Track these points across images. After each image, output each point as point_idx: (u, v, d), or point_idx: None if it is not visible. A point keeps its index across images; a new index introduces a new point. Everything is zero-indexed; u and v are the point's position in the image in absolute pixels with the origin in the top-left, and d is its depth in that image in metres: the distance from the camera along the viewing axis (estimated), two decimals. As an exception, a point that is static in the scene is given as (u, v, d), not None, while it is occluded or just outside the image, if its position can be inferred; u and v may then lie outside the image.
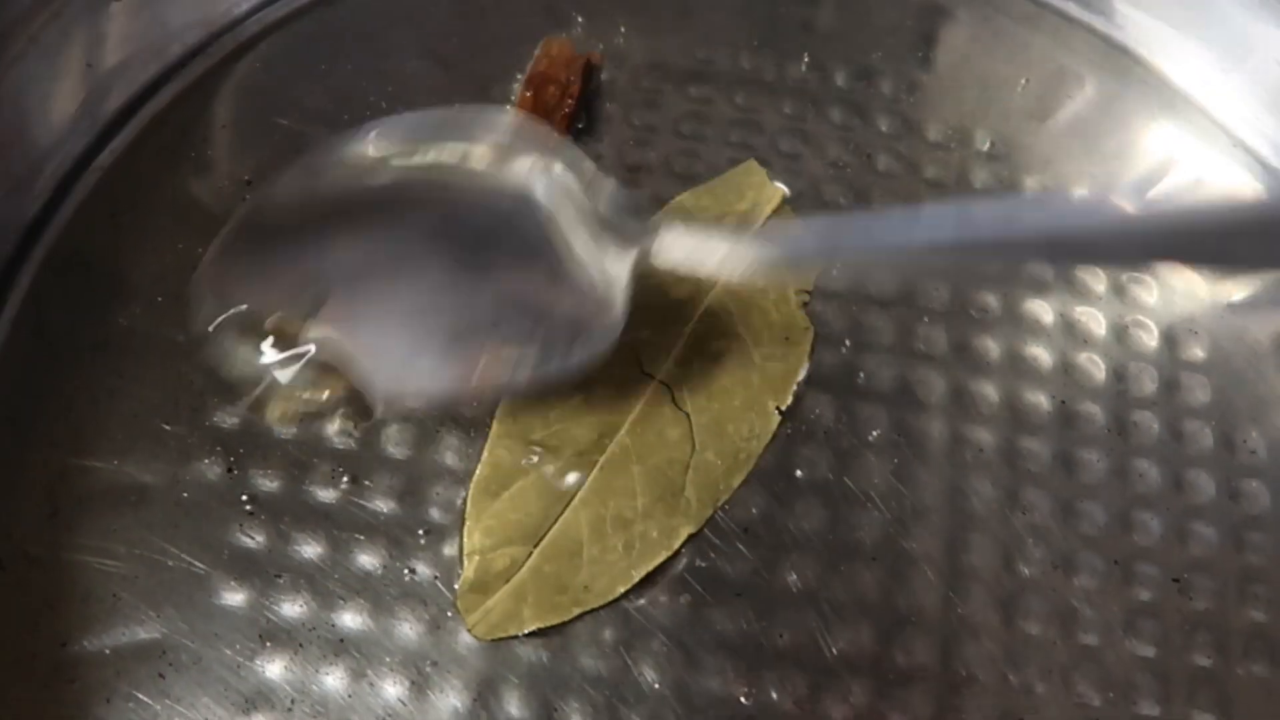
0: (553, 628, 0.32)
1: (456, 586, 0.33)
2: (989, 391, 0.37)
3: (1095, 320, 0.39)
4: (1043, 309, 0.39)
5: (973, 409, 0.37)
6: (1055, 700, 0.33)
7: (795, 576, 0.34)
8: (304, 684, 0.31)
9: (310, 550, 0.33)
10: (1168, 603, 0.35)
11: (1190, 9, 0.44)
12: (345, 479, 0.34)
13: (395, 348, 0.33)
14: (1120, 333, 0.39)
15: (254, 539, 0.33)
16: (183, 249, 0.38)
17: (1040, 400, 0.38)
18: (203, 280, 0.34)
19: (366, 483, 0.34)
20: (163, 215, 0.38)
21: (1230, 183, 0.43)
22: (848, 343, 0.38)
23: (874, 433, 0.36)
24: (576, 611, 0.33)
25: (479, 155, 0.32)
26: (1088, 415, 0.37)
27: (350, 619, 0.32)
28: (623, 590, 0.33)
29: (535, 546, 0.33)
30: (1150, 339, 0.39)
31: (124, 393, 0.35)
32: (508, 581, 0.33)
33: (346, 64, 0.42)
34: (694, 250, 0.31)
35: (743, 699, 0.32)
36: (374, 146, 0.32)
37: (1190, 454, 0.37)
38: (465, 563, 0.33)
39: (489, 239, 0.32)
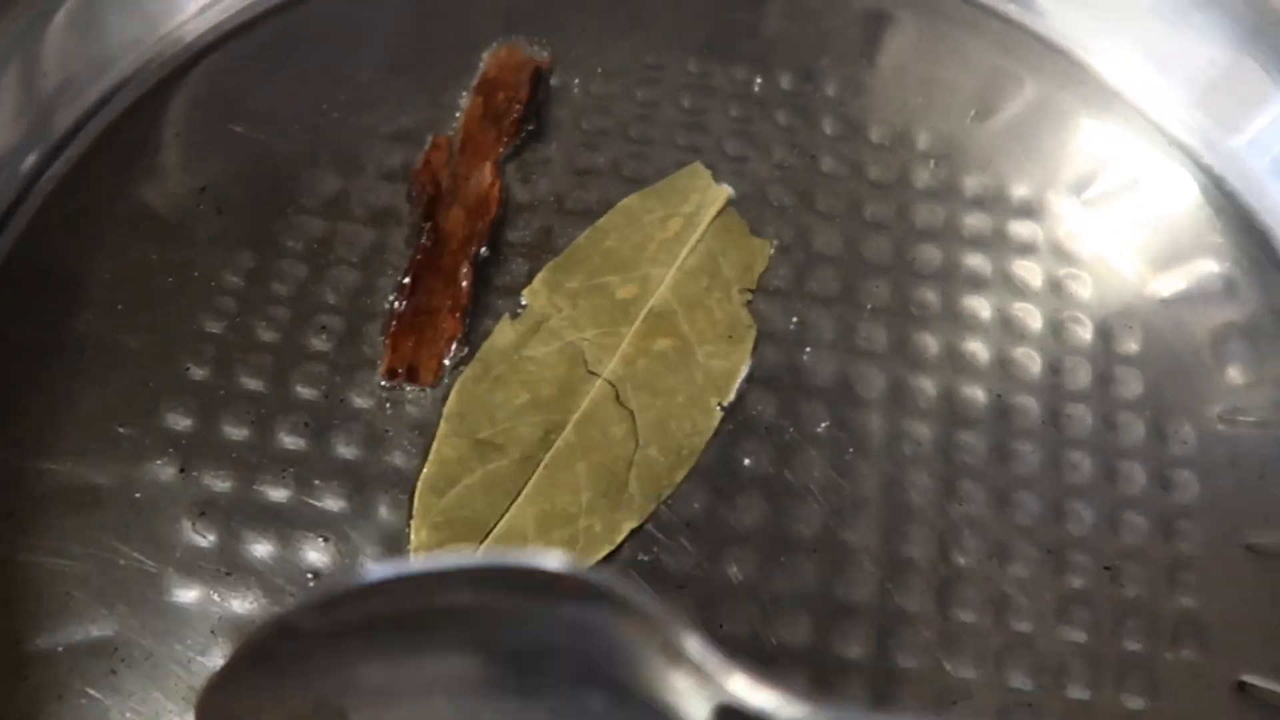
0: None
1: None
2: (927, 386, 0.38)
3: (1031, 316, 0.40)
4: (980, 305, 0.40)
5: (911, 404, 0.38)
6: (989, 686, 0.34)
7: (736, 569, 0.35)
8: (254, 678, 0.32)
9: (261, 548, 0.34)
10: (1099, 590, 0.36)
11: (1125, 12, 0.46)
12: (295, 479, 0.35)
13: None
14: (1056, 328, 0.40)
15: (205, 538, 0.34)
16: (137, 256, 0.38)
17: (977, 394, 0.38)
18: (201, 710, 0.27)
19: (316, 482, 0.35)
20: (117, 223, 0.39)
21: (1166, 180, 0.44)
22: (790, 339, 0.39)
23: (815, 428, 0.37)
24: None
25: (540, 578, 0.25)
26: (1023, 408, 0.38)
27: (300, 614, 0.33)
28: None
29: (481, 543, 0.34)
30: (1085, 333, 0.40)
31: (79, 396, 0.36)
32: None
33: (299, 71, 0.43)
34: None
35: (684, 688, 0.33)
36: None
37: (1123, 445, 0.38)
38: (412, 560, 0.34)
39: (540, 663, 0.27)
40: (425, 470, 0.35)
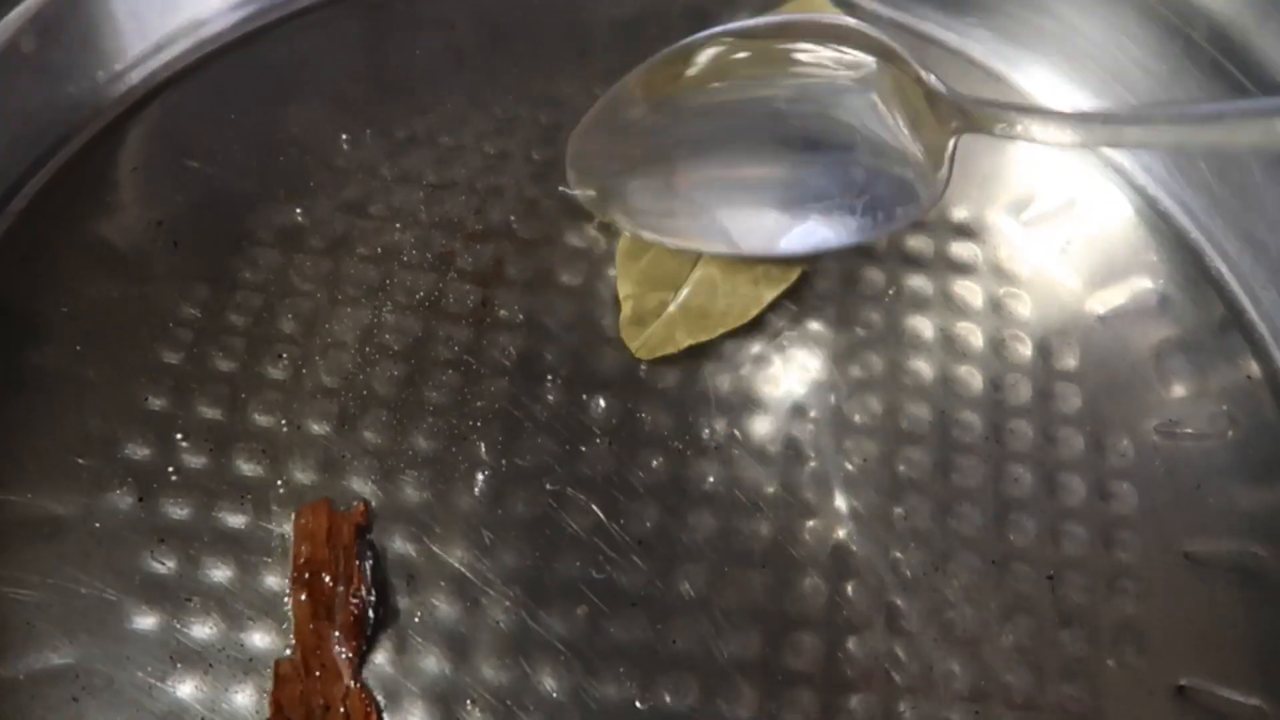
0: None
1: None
2: (873, 403, 0.39)
3: (973, 334, 0.41)
4: (923, 325, 0.41)
5: (857, 421, 0.39)
6: (935, 693, 0.35)
7: (688, 585, 0.36)
8: (214, 702, 0.33)
9: (220, 574, 0.35)
10: (1042, 598, 0.37)
11: (1060, 39, 0.47)
12: (254, 505, 0.36)
13: (741, 207, 0.40)
14: (997, 345, 0.41)
15: (164, 565, 0.35)
16: (94, 290, 0.39)
17: (922, 411, 0.40)
18: (570, 153, 0.42)
19: (275, 508, 0.36)
20: (75, 258, 0.40)
21: (1101, 201, 0.45)
22: (739, 364, 0.40)
23: (765, 446, 0.38)
24: (720, 331, 0.40)
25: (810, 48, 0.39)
26: (966, 424, 0.39)
27: (259, 639, 0.34)
28: (755, 313, 0.40)
29: (678, 290, 0.40)
30: (1025, 350, 0.41)
31: (37, 429, 0.36)
32: (659, 316, 0.40)
33: (251, 107, 0.44)
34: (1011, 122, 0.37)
35: (638, 703, 0.34)
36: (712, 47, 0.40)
37: (1063, 458, 0.39)
38: (622, 305, 0.40)
39: (821, 117, 0.39)
40: (620, 243, 0.41)
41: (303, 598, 0.34)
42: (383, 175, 0.42)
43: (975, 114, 0.37)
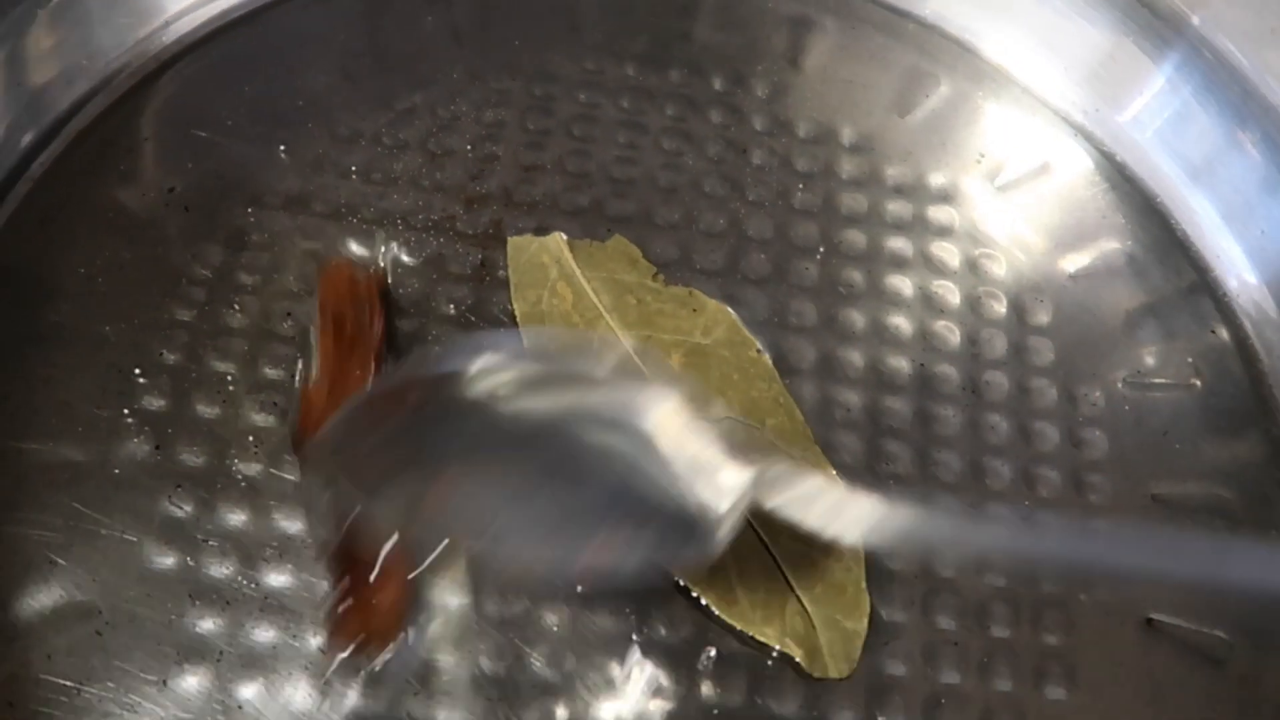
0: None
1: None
2: (855, 358, 0.41)
3: (950, 292, 0.43)
4: (903, 283, 0.43)
5: (841, 373, 0.41)
6: (917, 626, 0.37)
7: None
8: (232, 637, 0.34)
9: (235, 518, 0.36)
10: (1017, 538, 0.38)
11: (1035, 17, 0.49)
12: (266, 454, 0.37)
13: (502, 532, 0.34)
14: (973, 303, 0.43)
15: (182, 509, 0.36)
16: (110, 251, 0.41)
17: (902, 364, 0.41)
18: (309, 453, 0.37)
19: (286, 456, 0.37)
20: (90, 222, 0.41)
21: (1071, 167, 0.47)
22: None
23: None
24: None
25: (592, 379, 0.34)
26: (944, 376, 0.41)
27: (274, 578, 0.35)
28: None
29: None
30: (1000, 307, 0.43)
31: (57, 382, 0.38)
32: None
33: (260, 80, 0.45)
34: (798, 500, 0.33)
35: (634, 636, 0.36)
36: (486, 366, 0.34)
37: (1037, 408, 0.41)
38: None
39: (596, 451, 0.34)
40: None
41: (329, 337, 0.38)
42: (384, 143, 0.44)
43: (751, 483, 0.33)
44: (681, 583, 0.36)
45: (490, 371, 0.33)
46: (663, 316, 0.41)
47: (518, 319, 0.40)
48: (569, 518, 0.34)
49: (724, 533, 0.32)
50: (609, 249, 0.42)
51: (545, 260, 0.41)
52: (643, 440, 0.33)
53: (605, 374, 0.34)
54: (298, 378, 0.39)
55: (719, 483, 0.33)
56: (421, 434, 0.34)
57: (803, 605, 0.36)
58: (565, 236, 0.42)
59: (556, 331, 0.40)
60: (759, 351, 0.40)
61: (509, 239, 0.42)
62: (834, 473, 0.38)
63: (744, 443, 0.34)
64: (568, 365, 0.35)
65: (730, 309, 0.41)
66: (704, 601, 0.36)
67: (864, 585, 0.37)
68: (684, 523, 0.33)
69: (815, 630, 0.36)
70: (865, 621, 0.36)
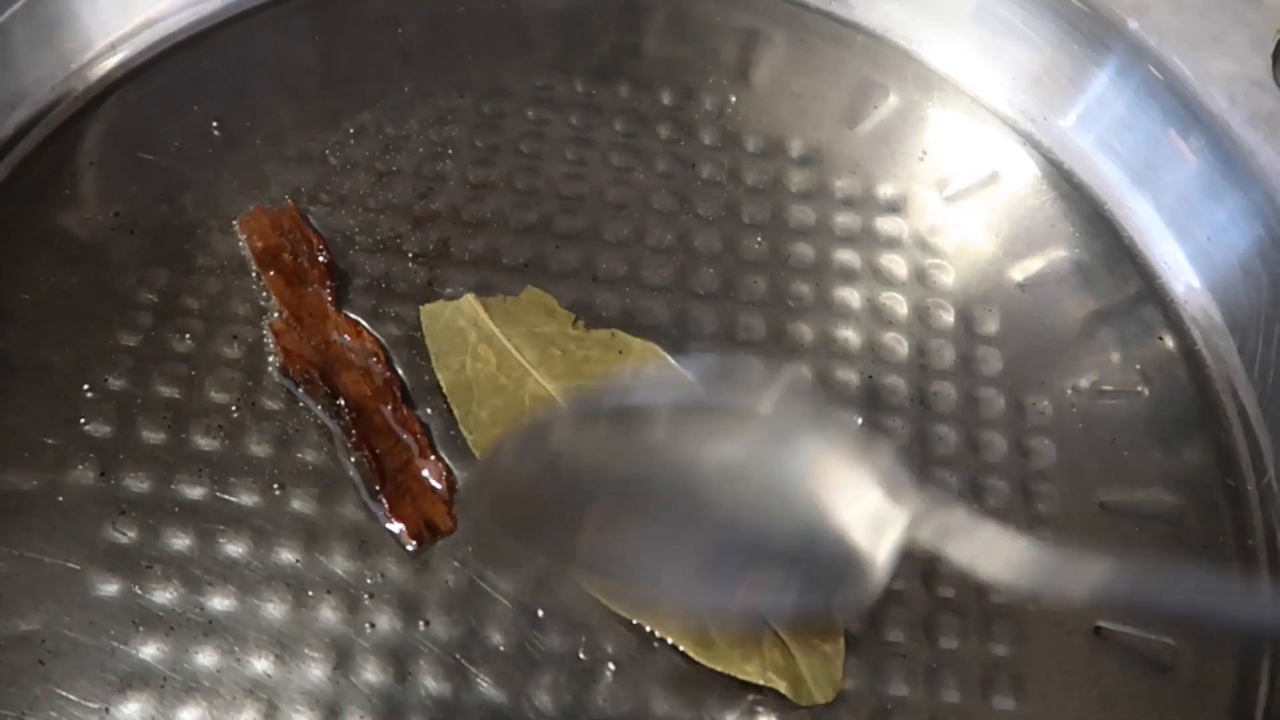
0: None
1: (321, 558, 0.36)
2: (804, 371, 0.41)
3: (899, 303, 0.43)
4: (851, 295, 0.43)
5: (789, 387, 0.41)
6: (865, 639, 0.37)
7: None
8: (176, 663, 0.34)
9: (180, 542, 0.36)
10: (964, 549, 0.38)
11: (980, 26, 0.49)
12: (211, 477, 0.37)
13: (658, 564, 0.34)
14: (921, 313, 0.43)
15: (126, 535, 0.36)
16: (55, 277, 0.41)
17: (851, 376, 0.42)
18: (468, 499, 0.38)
19: (231, 480, 0.37)
20: (36, 248, 0.41)
21: (1020, 176, 0.47)
22: (675, 334, 0.42)
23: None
24: None
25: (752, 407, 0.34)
26: (893, 387, 0.42)
27: (218, 602, 0.35)
28: None
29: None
30: (948, 317, 0.43)
31: (2, 409, 0.38)
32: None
33: (206, 101, 0.45)
34: (957, 540, 0.32)
35: (580, 654, 0.36)
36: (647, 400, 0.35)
37: (985, 417, 0.41)
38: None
39: (754, 486, 0.34)
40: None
41: (272, 274, 0.41)
42: (332, 163, 0.44)
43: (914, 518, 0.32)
44: (655, 633, 0.36)
45: (651, 406, 0.34)
46: (589, 363, 0.40)
47: (444, 389, 0.39)
48: (723, 553, 0.33)
49: (883, 574, 0.32)
50: (524, 302, 0.42)
51: (462, 324, 0.41)
52: (802, 477, 0.33)
53: (767, 408, 0.34)
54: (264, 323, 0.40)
55: (876, 522, 0.32)
56: (577, 470, 0.34)
57: (779, 636, 0.36)
58: (474, 296, 0.41)
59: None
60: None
61: (421, 308, 0.41)
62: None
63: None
64: (728, 399, 0.35)
65: (655, 345, 0.41)
66: (682, 648, 0.36)
67: None
68: (839, 562, 0.32)
69: (795, 659, 0.36)
70: (841, 642, 0.36)
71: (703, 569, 0.33)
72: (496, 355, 0.40)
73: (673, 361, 0.41)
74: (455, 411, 0.39)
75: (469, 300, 0.41)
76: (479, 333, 0.40)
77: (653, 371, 0.40)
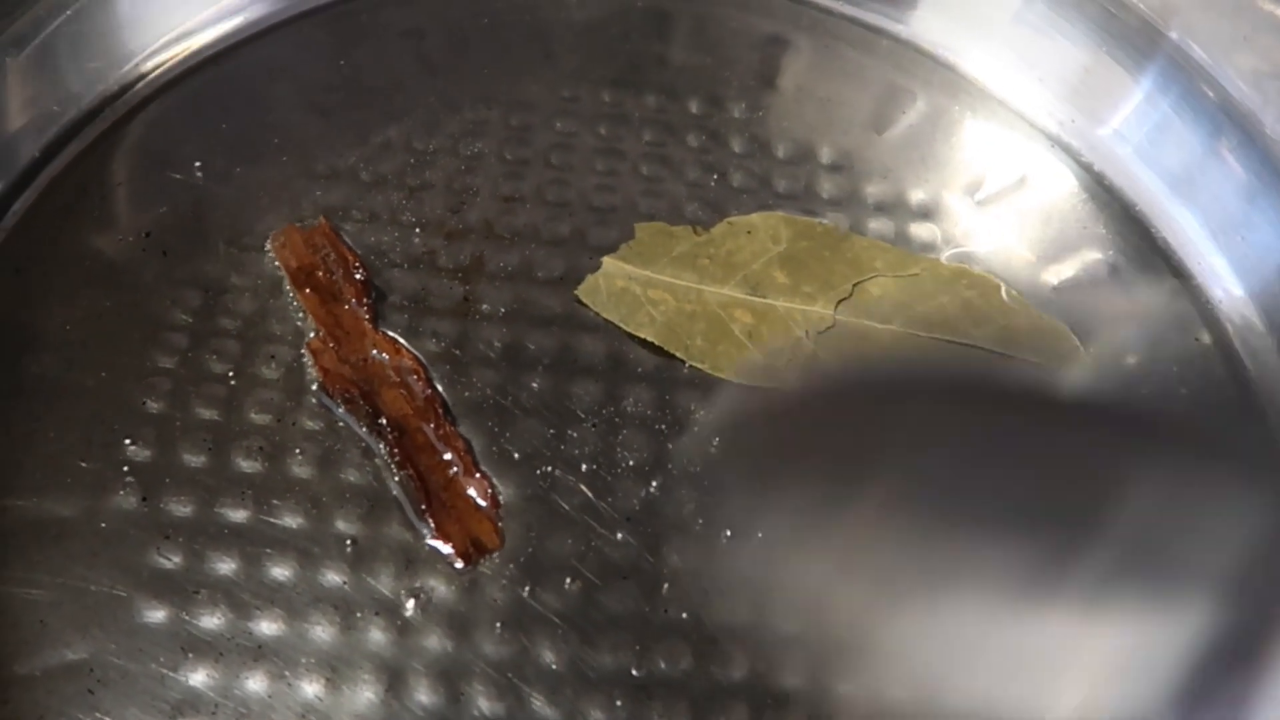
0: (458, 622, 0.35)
1: (368, 578, 0.36)
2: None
3: (935, 309, 0.43)
4: (888, 302, 0.43)
5: (829, 396, 0.41)
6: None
7: (676, 557, 0.37)
8: (227, 689, 0.34)
9: (225, 566, 0.36)
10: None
11: (1011, 32, 0.49)
12: (254, 500, 0.37)
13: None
14: (958, 319, 0.43)
15: (171, 560, 0.36)
16: (88, 300, 0.40)
17: (890, 384, 0.41)
18: None
19: (274, 501, 0.37)
20: (67, 269, 0.41)
21: (1050, 178, 0.47)
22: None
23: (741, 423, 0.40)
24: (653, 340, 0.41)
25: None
26: (933, 394, 0.41)
27: (266, 626, 0.35)
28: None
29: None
30: (985, 323, 0.43)
31: (40, 435, 0.37)
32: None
33: (233, 119, 0.45)
34: None
35: (634, 671, 0.35)
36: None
37: (1026, 422, 0.41)
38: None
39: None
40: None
41: (307, 292, 0.41)
42: (362, 179, 0.44)
43: None
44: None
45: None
46: (736, 255, 0.43)
47: (654, 342, 0.41)
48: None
49: None
50: (644, 240, 0.43)
51: (620, 284, 0.42)
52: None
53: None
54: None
55: None
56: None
57: None
58: (609, 256, 0.43)
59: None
60: (821, 223, 0.44)
61: (576, 292, 0.42)
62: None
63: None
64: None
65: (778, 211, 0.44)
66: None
67: None
68: None
69: None
70: None
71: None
72: (667, 291, 0.42)
73: (795, 217, 0.44)
74: (677, 354, 0.41)
75: (609, 261, 0.43)
76: (639, 283, 0.42)
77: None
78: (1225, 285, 0.45)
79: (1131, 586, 0.28)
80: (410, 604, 0.36)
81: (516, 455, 0.38)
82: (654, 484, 0.38)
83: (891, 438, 0.31)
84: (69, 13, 0.43)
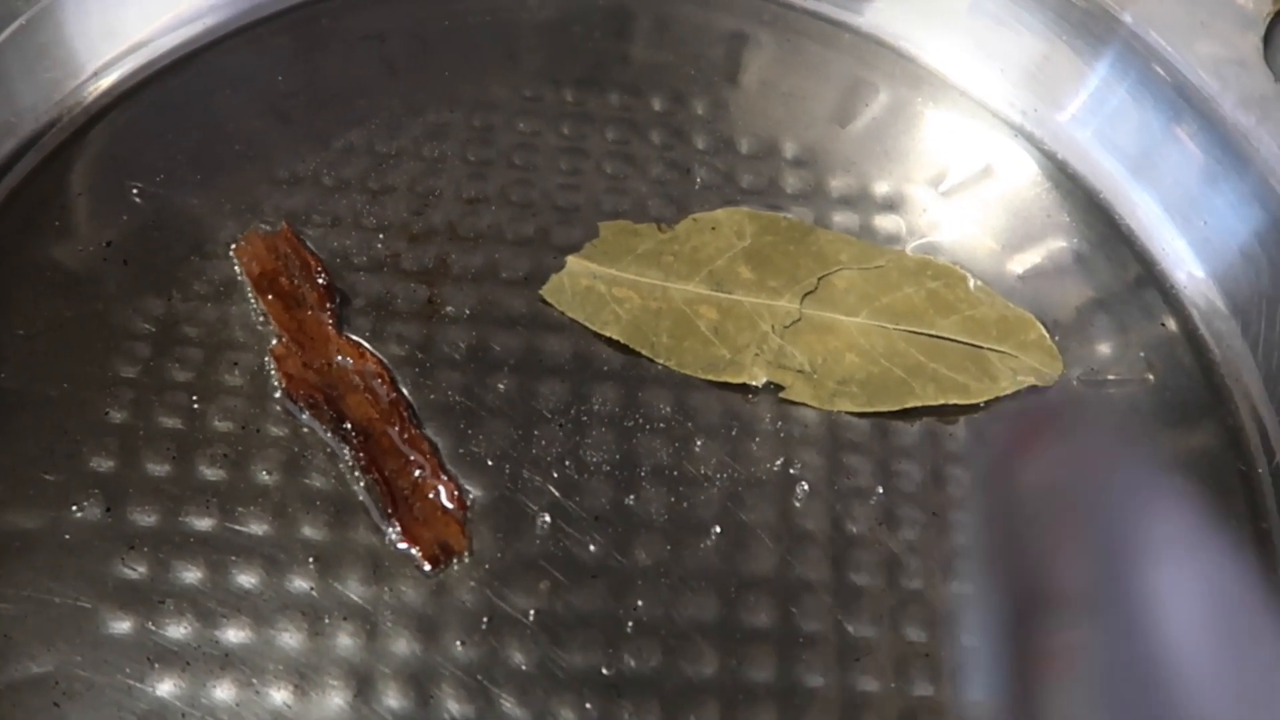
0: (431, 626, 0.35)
1: (335, 584, 0.35)
2: (810, 373, 0.41)
3: (901, 301, 0.43)
4: (854, 295, 0.43)
5: (797, 390, 0.41)
6: (886, 641, 0.36)
7: (644, 554, 0.37)
8: (194, 698, 0.34)
9: (191, 575, 0.35)
10: (981, 544, 0.38)
11: (970, 22, 0.50)
12: (219, 508, 0.37)
13: None
14: (924, 310, 0.43)
15: (136, 570, 0.35)
16: (49, 310, 0.40)
17: (857, 377, 0.41)
18: None
19: (239, 509, 0.37)
20: (29, 281, 0.40)
21: (1014, 168, 0.47)
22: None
23: (709, 420, 0.40)
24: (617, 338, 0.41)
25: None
26: (900, 386, 0.41)
27: (233, 634, 0.35)
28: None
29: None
30: (951, 313, 0.43)
31: (2, 448, 0.37)
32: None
33: (193, 126, 0.45)
34: None
35: (604, 670, 0.35)
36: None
37: (993, 412, 0.41)
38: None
39: None
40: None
41: (270, 298, 0.40)
42: (324, 184, 0.44)
43: None
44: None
45: None
46: (700, 251, 0.43)
47: (621, 340, 0.41)
48: None
49: None
50: (608, 239, 0.43)
51: (585, 283, 0.42)
52: None
53: None
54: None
55: None
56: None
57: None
58: (574, 255, 0.43)
59: None
60: (786, 217, 0.44)
61: (541, 291, 0.42)
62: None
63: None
64: None
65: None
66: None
67: None
68: None
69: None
70: None
71: None
72: (632, 289, 0.42)
73: (758, 212, 0.45)
74: (642, 352, 0.41)
75: (573, 260, 0.43)
76: (604, 281, 0.42)
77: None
78: (1189, 269, 0.45)
79: None
80: (379, 608, 0.35)
81: (484, 457, 0.38)
82: (621, 483, 0.38)
83: None
84: (21, 22, 0.43)
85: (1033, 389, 0.41)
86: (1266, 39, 0.44)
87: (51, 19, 0.44)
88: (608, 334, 0.41)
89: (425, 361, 0.40)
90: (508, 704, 0.34)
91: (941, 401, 0.40)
